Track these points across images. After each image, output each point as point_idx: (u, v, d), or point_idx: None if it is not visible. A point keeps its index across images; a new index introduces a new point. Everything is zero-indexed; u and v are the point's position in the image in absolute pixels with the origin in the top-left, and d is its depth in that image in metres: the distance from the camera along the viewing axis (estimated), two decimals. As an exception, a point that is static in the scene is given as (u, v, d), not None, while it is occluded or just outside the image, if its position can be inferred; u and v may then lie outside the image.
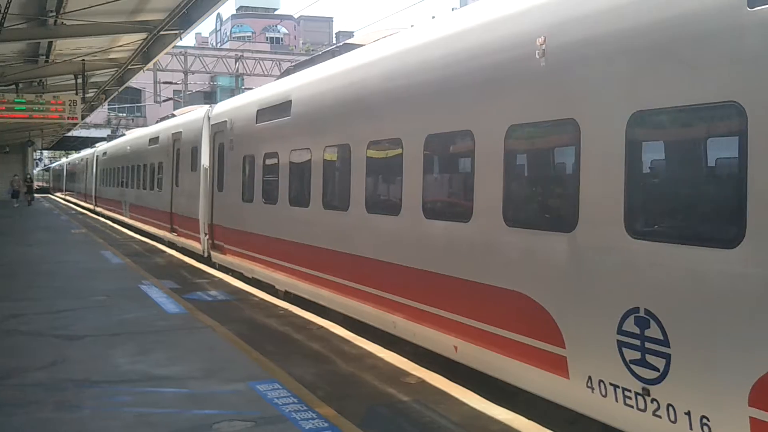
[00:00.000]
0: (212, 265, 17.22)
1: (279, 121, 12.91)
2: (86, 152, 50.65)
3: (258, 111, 14.15)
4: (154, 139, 24.91)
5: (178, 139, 21.12)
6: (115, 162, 34.00)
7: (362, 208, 9.83)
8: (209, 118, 17.94)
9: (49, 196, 75.11)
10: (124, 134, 37.87)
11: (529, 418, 6.40)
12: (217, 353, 8.70)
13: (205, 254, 17.79)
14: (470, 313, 7.46)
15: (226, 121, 16.18)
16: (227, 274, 15.81)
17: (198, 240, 18.49)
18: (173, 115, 25.28)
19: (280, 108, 12.91)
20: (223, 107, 17.35)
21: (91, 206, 43.71)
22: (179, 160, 20.91)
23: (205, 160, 17.98)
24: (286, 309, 11.60)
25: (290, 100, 12.51)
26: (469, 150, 7.57)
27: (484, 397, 6.96)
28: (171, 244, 22.06)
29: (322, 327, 10.23)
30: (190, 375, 7.71)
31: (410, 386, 7.35)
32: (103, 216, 37.40)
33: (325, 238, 10.98)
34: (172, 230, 21.61)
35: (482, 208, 7.30)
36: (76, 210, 45.56)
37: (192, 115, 20.84)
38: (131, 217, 29.43)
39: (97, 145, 46.21)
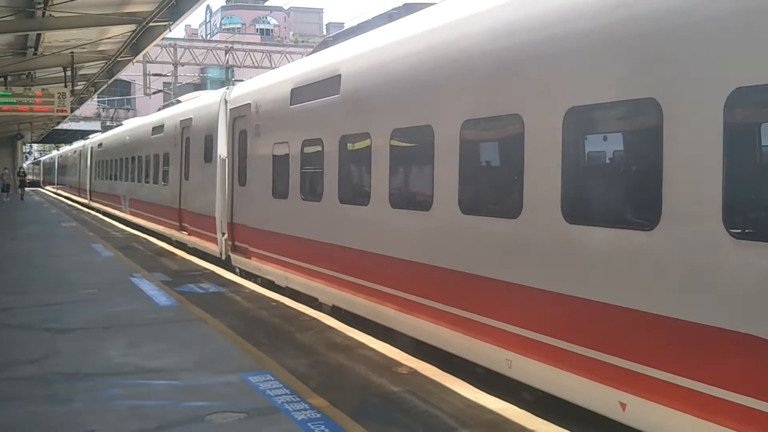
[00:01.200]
0: (232, 270, 15.01)
1: (324, 101, 10.66)
2: (79, 144, 47.98)
3: (293, 90, 11.94)
4: (158, 128, 22.57)
5: (187, 127, 18.82)
6: (113, 154, 31.75)
7: (454, 208, 7.57)
8: (226, 101, 15.73)
9: (39, 189, 74.73)
10: (121, 124, 35.41)
11: (521, 408, 6.42)
12: (209, 345, 8.69)
13: (223, 257, 15.61)
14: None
15: (249, 104, 13.79)
16: (250, 280, 13.81)
17: (213, 240, 16.24)
18: (177, 101, 23.27)
19: (324, 85, 10.72)
20: (245, 88, 15.04)
21: (85, 201, 41.48)
22: (189, 151, 18.60)
23: (222, 149, 15.78)
24: (279, 301, 11.59)
25: (339, 75, 10.31)
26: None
27: (477, 387, 6.97)
28: (180, 245, 19.67)
29: (314, 318, 10.22)
30: (182, 367, 7.70)
31: (403, 376, 7.35)
32: (98, 211, 35.42)
33: (393, 244, 8.77)
34: (181, 228, 19.30)
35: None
36: (68, 204, 45.33)
37: (205, 99, 18.62)
38: (132, 213, 27.13)
39: (91, 136, 44.18)
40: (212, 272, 14.85)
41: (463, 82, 7.61)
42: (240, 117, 14.37)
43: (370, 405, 6.51)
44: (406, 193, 8.89)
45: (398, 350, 8.39)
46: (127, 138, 28.21)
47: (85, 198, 41.48)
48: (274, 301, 11.61)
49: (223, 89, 17.06)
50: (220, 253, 15.79)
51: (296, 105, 11.71)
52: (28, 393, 6.87)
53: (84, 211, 36.76)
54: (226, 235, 15.33)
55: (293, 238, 11.77)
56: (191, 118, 18.64)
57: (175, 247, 19.60)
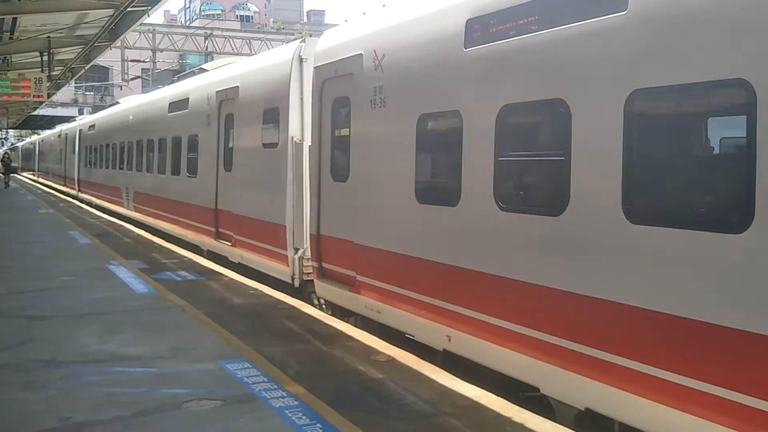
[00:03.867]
0: (308, 300, 10.99)
1: (577, 28, 5.99)
2: (65, 127, 42.00)
3: (474, 22, 7.24)
4: (178, 103, 17.86)
5: (230, 100, 14.19)
6: (109, 137, 26.74)
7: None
8: (302, 59, 11.53)
9: (15, 175, 73.77)
10: (117, 103, 30.16)
11: (497, 395, 6.46)
12: (186, 333, 8.67)
13: (296, 282, 11.38)
14: None
15: (360, 55, 9.03)
16: (343, 319, 9.68)
17: (278, 258, 11.81)
18: (201, 70, 18.52)
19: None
20: (350, 33, 10.06)
21: (73, 191, 36.55)
22: (233, 132, 14.15)
23: (295, 129, 11.46)
24: (257, 289, 11.57)
25: None
26: None
27: (454, 375, 7.01)
28: (214, 256, 14.89)
29: (293, 306, 10.22)
30: (159, 355, 7.67)
31: (380, 364, 7.38)
32: (90, 205, 30.72)
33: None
34: (218, 236, 14.66)
35: None
36: (51, 194, 44.86)
37: (263, 59, 14.07)
38: (137, 210, 22.26)
39: (79, 117, 40.57)
40: (190, 260, 14.77)
41: None
42: (338, 78, 9.78)
43: (347, 392, 6.54)
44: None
45: (376, 338, 8.43)
46: (130, 118, 23.52)
47: (72, 188, 36.78)
48: (252, 288, 11.58)
49: (295, 43, 12.08)
50: (291, 277, 11.44)
51: (484, 45, 7.05)
52: (2, 380, 6.82)
53: (63, 200, 36.33)
54: (301, 252, 11.25)
55: (477, 274, 7.08)
56: (236, 88, 13.93)
57: (207, 258, 15.02)
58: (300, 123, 11.51)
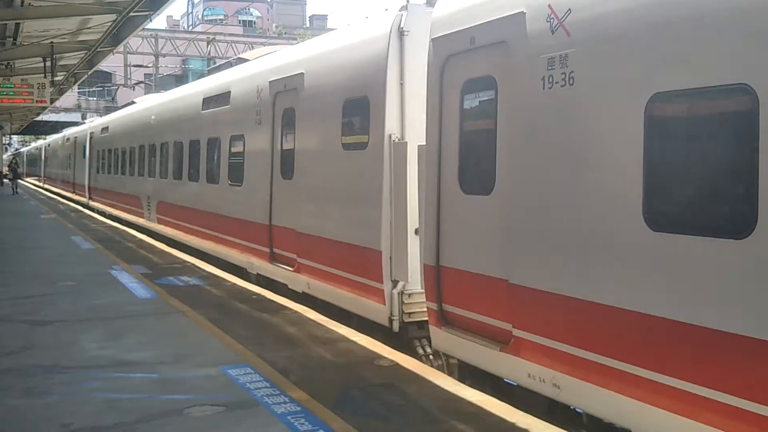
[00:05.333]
0: (411, 352, 8.51)
1: None
2: (73, 130, 39.45)
3: None
4: (216, 99, 15.02)
5: (292, 91, 11.37)
6: (126, 140, 23.92)
7: None
8: (403, 32, 8.84)
9: (19, 181, 73.61)
10: (133, 102, 27.14)
11: (501, 401, 6.42)
12: (188, 338, 8.63)
13: (395, 326, 8.70)
14: None
15: (519, 15, 6.48)
16: (495, 396, 6.87)
17: (367, 291, 9.13)
18: (240, 60, 16.04)
19: None
20: None
21: (82, 199, 33.60)
22: (296, 130, 11.31)
23: (393, 124, 8.81)
24: (259, 294, 11.53)
25: None
26: None
27: (458, 381, 6.97)
28: (266, 280, 12.35)
29: (295, 311, 10.18)
30: (161, 360, 7.64)
31: (383, 369, 7.34)
32: (104, 215, 27.97)
33: None
34: (273, 258, 11.94)
35: None
36: (55, 200, 44.88)
37: (342, 36, 11.04)
38: (162, 223, 19.44)
39: (88, 120, 38.57)
40: (193, 265, 14.74)
41: None
42: (474, 51, 7.11)
43: (350, 398, 6.49)
44: None
45: (379, 343, 8.38)
46: (153, 118, 20.77)
47: (82, 196, 33.70)
48: (255, 293, 11.54)
49: (392, 12, 9.28)
50: (388, 319, 8.76)
51: None
52: (4, 386, 6.79)
53: (66, 205, 36.32)
54: (402, 286, 8.67)
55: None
56: (299, 76, 11.11)
57: (256, 284, 12.55)
58: (400, 116, 8.87)
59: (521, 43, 6.43)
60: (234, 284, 12.43)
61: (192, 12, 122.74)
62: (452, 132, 7.47)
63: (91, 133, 31.14)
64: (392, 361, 7.61)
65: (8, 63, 23.36)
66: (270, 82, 12.12)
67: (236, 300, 11.02)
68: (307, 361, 7.67)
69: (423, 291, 7.93)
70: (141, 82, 50.68)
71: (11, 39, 20.08)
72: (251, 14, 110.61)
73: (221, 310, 10.27)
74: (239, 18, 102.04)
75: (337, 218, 10.12)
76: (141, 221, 21.73)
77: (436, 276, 7.54)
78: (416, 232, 8.31)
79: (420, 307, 8.39)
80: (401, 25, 8.88)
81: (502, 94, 6.74)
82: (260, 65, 13.51)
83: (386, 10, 9.63)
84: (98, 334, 8.75)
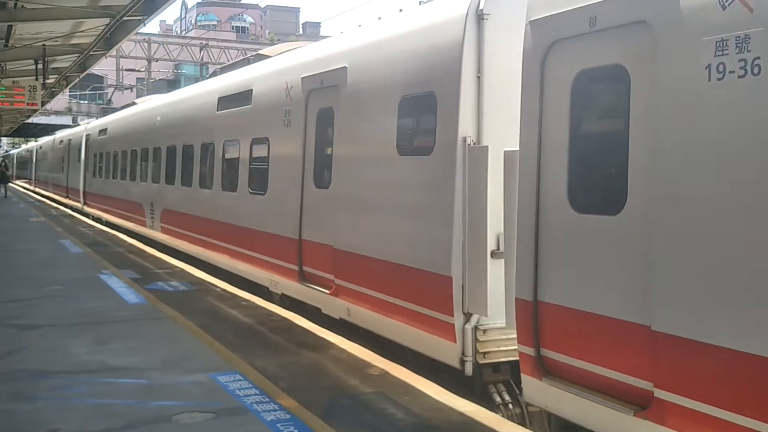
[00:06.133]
0: (489, 400, 7.27)
1: None
2: (66, 133, 38.27)
3: None
4: (235, 98, 13.52)
5: (331, 88, 9.93)
6: (127, 143, 22.42)
7: None
8: (482, 16, 7.47)
9: (9, 184, 73.14)
10: (133, 103, 25.85)
11: (491, 410, 6.42)
12: (177, 344, 8.59)
13: (468, 368, 7.29)
14: None
15: None
16: None
17: (431, 325, 7.67)
18: (259, 56, 14.59)
19: None
20: None
21: (76, 204, 32.38)
22: (334, 132, 9.87)
23: (468, 125, 7.47)
24: (250, 300, 11.49)
25: None
26: None
27: (447, 389, 6.96)
28: (295, 304, 10.76)
29: (285, 318, 10.16)
30: (150, 366, 7.60)
31: (373, 378, 7.32)
32: (98, 220, 26.74)
33: None
34: (302, 277, 10.47)
35: None
36: (44, 203, 44.65)
37: (400, 22, 9.67)
38: (166, 233, 17.85)
39: (82, 121, 37.01)
40: (183, 270, 14.68)
41: None
42: (593, 35, 5.76)
43: (340, 406, 6.48)
44: None
45: (369, 351, 8.36)
46: (158, 119, 19.28)
47: (76, 200, 32.40)
48: (245, 300, 11.51)
49: None
50: (460, 360, 7.34)
51: None
52: (-9, 390, 6.74)
53: (56, 209, 36.15)
54: (477, 321, 7.29)
55: None
56: (341, 71, 9.64)
57: (281, 305, 11.05)
58: (476, 116, 7.44)
59: (671, 22, 5.07)
60: (224, 290, 12.39)
61: (185, 17, 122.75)
62: (558, 135, 6.02)
63: (87, 135, 29.59)
64: (382, 369, 7.60)
65: (0, 65, 23.30)
66: (302, 78, 10.70)
67: (226, 306, 10.98)
68: (297, 369, 7.65)
69: (501, 326, 6.81)
70: (133, 86, 50.57)
71: (3, 41, 20.01)
72: (244, 20, 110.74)
73: (211, 316, 10.23)
74: (232, 24, 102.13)
75: (392, 235, 8.45)
76: (142, 229, 20.28)
77: (532, 314, 6.10)
78: (493, 254, 7.06)
79: (497, 345, 7.23)
80: (480, 7, 7.45)
81: (638, 88, 5.33)
82: (289, 60, 11.96)
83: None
84: (87, 338, 8.70)
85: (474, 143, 7.38)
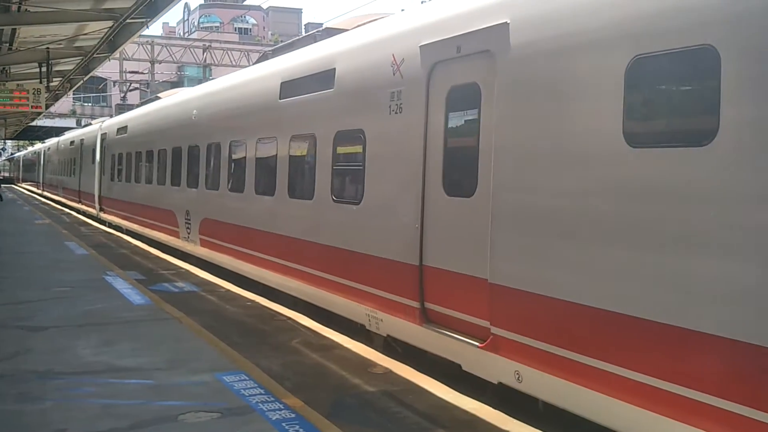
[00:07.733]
0: None
1: None
2: (78, 132, 35.62)
3: None
4: (306, 81, 10.80)
5: (474, 56, 7.10)
6: (154, 142, 19.53)
7: None
8: None
9: (13, 186, 73.44)
10: (158, 97, 23.29)
11: (495, 408, 6.44)
12: (182, 344, 8.62)
13: None
14: None
15: None
16: None
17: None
18: (328, 31, 12.05)
19: None
20: None
21: (91, 210, 29.54)
22: (480, 120, 6.96)
23: None
24: (254, 300, 11.53)
25: None
26: None
27: (452, 388, 6.98)
28: (406, 347, 8.33)
29: (290, 318, 10.19)
30: (156, 366, 7.63)
31: (378, 376, 7.35)
32: (120, 230, 23.96)
33: None
34: (425, 317, 7.69)
35: None
36: (48, 205, 44.65)
37: None
38: (208, 247, 14.97)
39: (94, 121, 34.32)
40: (187, 271, 14.71)
41: None
42: None
43: (345, 405, 6.50)
44: None
45: (373, 350, 8.39)
46: (195, 113, 16.39)
47: (90, 206, 29.58)
48: (249, 300, 11.54)
49: None
50: None
51: None
52: (-2, 391, 6.78)
53: (60, 210, 36.17)
54: None
55: None
56: (498, 29, 6.77)
57: (380, 349, 8.69)
58: None
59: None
60: (228, 290, 12.43)
61: (188, 19, 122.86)
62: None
63: (103, 135, 26.54)
64: (386, 368, 7.62)
65: (4, 68, 23.34)
66: (422, 47, 7.90)
67: (231, 306, 11.02)
68: (302, 368, 7.68)
69: None
70: (136, 88, 50.64)
71: (7, 44, 20.06)
72: (247, 22, 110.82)
73: (216, 316, 10.26)
74: (235, 25, 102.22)
75: (618, 271, 5.46)
76: (174, 241, 17.42)
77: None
78: None
79: None
80: None
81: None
82: (396, 24, 9.15)
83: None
84: (93, 339, 8.74)
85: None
